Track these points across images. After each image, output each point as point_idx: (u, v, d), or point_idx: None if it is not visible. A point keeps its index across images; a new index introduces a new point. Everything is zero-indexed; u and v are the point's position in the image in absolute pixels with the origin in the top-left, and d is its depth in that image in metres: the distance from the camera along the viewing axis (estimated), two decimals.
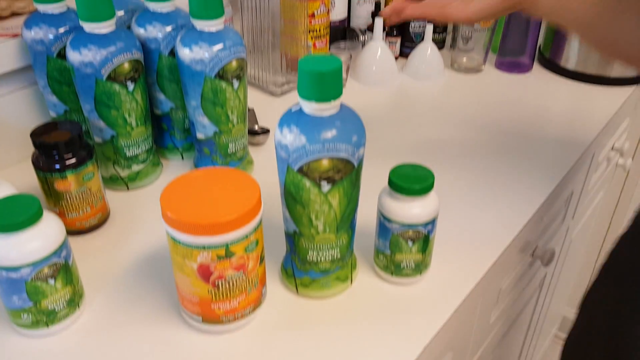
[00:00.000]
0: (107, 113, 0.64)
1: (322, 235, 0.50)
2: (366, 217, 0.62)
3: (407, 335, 0.51)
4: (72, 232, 0.61)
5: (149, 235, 0.62)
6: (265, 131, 0.80)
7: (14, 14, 0.74)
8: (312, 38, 0.94)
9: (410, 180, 0.52)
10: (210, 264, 0.46)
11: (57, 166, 0.57)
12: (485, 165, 0.75)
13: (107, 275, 0.57)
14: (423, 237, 0.54)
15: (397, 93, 0.97)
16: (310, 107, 0.45)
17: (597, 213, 1.34)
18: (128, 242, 0.62)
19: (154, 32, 0.67)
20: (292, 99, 0.93)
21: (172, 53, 0.68)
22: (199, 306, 0.49)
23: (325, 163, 0.46)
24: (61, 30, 0.65)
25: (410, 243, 0.53)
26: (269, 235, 0.61)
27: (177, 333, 0.51)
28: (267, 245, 0.60)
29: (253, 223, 0.46)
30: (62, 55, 0.66)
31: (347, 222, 0.51)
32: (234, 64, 0.63)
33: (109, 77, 0.62)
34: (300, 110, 0.46)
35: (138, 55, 0.64)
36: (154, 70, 0.69)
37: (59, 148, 0.57)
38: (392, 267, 0.55)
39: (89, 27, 0.60)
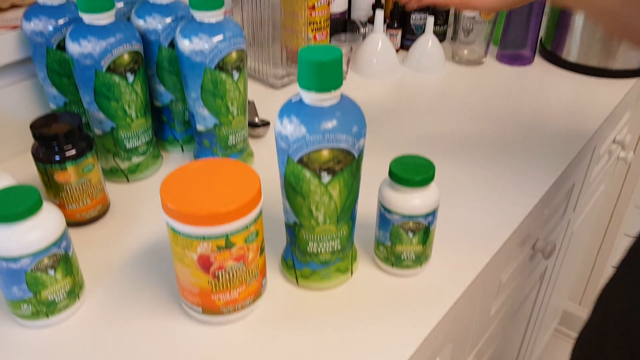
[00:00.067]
0: (107, 105, 0.64)
1: (323, 226, 0.50)
2: (367, 208, 0.62)
3: (407, 327, 0.51)
4: (72, 223, 0.61)
5: (149, 227, 0.62)
6: (266, 124, 0.80)
7: (14, 6, 0.74)
8: (312, 30, 0.94)
9: (411, 172, 0.52)
10: (210, 254, 0.45)
11: (57, 158, 0.57)
12: (486, 158, 0.75)
13: (107, 267, 0.57)
14: (423, 229, 0.53)
15: (398, 86, 0.97)
16: (311, 98, 0.45)
17: (599, 206, 1.34)
18: (128, 233, 0.62)
19: (154, 23, 0.66)
20: (293, 92, 0.93)
21: (172, 44, 0.68)
22: (199, 297, 0.49)
23: (325, 154, 0.46)
24: (61, 21, 0.65)
25: (410, 234, 0.53)
26: (270, 227, 0.61)
27: (177, 324, 0.51)
28: (268, 237, 0.60)
29: (253, 214, 0.46)
30: (61, 46, 0.66)
31: (347, 213, 0.51)
32: (234, 55, 0.63)
33: (109, 69, 0.62)
34: (301, 101, 0.46)
35: (138, 46, 0.64)
36: (153, 62, 0.69)
37: (59, 140, 0.57)
38: (392, 259, 0.55)
39: (88, 18, 0.60)
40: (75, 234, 0.61)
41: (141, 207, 0.65)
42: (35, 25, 0.65)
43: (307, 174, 0.47)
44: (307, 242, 0.52)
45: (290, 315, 0.52)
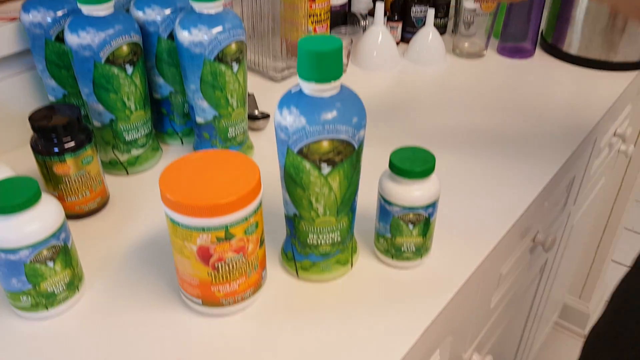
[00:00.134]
0: (106, 96, 0.64)
1: (322, 218, 0.50)
2: (367, 200, 0.62)
3: (406, 319, 0.51)
4: (71, 216, 0.61)
5: (149, 219, 0.62)
6: (266, 116, 0.79)
7: None
8: (312, 23, 0.94)
9: (411, 163, 0.52)
10: (210, 246, 0.45)
11: (56, 150, 0.57)
12: (486, 150, 0.75)
13: (106, 259, 0.57)
14: (424, 220, 0.53)
15: (398, 78, 0.96)
16: (310, 88, 0.45)
17: (599, 199, 1.33)
18: (128, 226, 0.61)
19: (153, 14, 0.66)
20: (292, 84, 0.93)
21: (171, 36, 0.68)
22: (198, 289, 0.49)
23: (325, 145, 0.46)
24: (59, 13, 0.65)
25: (410, 226, 0.53)
26: (269, 220, 0.61)
27: (177, 315, 0.51)
28: (268, 229, 0.60)
29: (253, 205, 0.46)
30: (60, 38, 0.66)
31: (347, 204, 0.51)
32: (234, 46, 0.63)
33: (108, 60, 0.61)
34: (300, 92, 0.46)
35: (137, 38, 0.64)
36: (152, 54, 0.69)
37: (58, 132, 0.56)
38: (392, 251, 0.55)
39: (87, 9, 0.60)
40: (74, 226, 0.61)
41: (141, 199, 0.65)
42: (34, 16, 0.64)
43: (307, 165, 0.47)
44: (307, 234, 0.51)
45: (290, 307, 0.52)
